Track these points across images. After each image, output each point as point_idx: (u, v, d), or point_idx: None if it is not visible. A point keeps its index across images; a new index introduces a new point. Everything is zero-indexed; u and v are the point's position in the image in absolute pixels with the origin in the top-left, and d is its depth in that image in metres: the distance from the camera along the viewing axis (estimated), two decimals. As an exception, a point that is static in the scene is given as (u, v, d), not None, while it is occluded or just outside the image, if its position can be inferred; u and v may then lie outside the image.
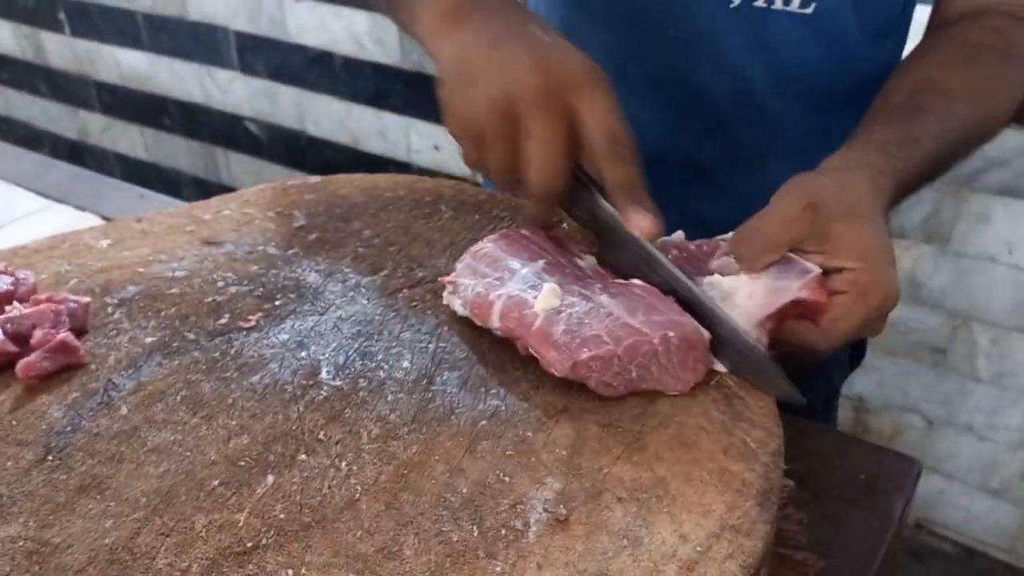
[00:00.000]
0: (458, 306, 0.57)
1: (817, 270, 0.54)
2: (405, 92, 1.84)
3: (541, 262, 0.56)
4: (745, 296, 0.54)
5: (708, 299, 0.54)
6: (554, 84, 0.52)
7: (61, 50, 2.40)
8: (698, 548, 0.42)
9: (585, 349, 0.50)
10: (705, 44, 0.74)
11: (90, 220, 0.98)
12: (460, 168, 1.82)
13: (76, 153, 2.55)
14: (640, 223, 0.53)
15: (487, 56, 0.54)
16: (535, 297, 0.52)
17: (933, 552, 1.60)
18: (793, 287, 0.53)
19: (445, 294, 0.58)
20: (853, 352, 0.96)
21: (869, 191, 0.57)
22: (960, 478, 1.55)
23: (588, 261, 0.59)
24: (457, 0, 0.58)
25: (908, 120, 0.64)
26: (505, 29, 0.55)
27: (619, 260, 0.57)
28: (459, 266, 0.58)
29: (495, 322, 0.54)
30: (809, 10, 0.72)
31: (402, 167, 1.92)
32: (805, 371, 0.58)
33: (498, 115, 0.52)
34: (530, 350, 0.52)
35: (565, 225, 0.67)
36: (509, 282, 0.55)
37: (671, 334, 0.51)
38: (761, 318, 0.54)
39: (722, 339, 0.53)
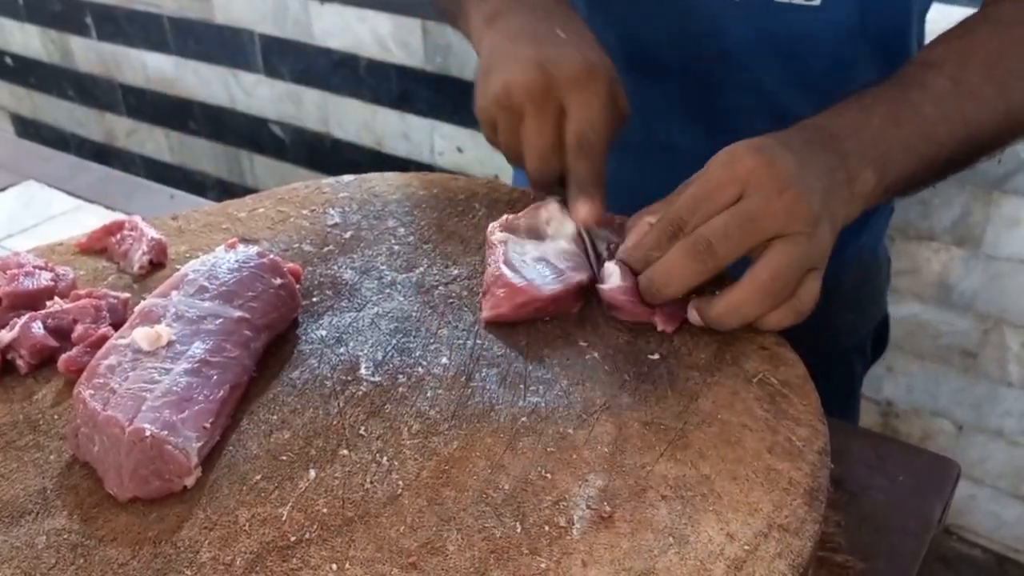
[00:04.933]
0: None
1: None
2: (429, 95, 1.84)
3: None
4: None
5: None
6: (546, 83, 0.58)
7: (88, 54, 2.42)
8: (746, 547, 0.42)
9: None
10: (711, 38, 0.74)
11: (122, 220, 0.99)
12: (482, 170, 1.82)
13: (102, 156, 2.57)
14: (579, 211, 0.60)
15: (502, 54, 0.61)
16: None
17: (963, 558, 1.57)
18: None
19: None
20: (875, 341, 0.94)
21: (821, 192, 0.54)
22: (990, 484, 1.53)
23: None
24: (496, 4, 0.65)
25: (902, 92, 0.60)
26: (527, 29, 0.62)
27: None
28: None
29: None
30: (816, 1, 0.71)
31: (425, 169, 1.92)
32: (818, 359, 0.57)
33: (502, 107, 0.60)
34: None
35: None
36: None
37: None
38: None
39: None
